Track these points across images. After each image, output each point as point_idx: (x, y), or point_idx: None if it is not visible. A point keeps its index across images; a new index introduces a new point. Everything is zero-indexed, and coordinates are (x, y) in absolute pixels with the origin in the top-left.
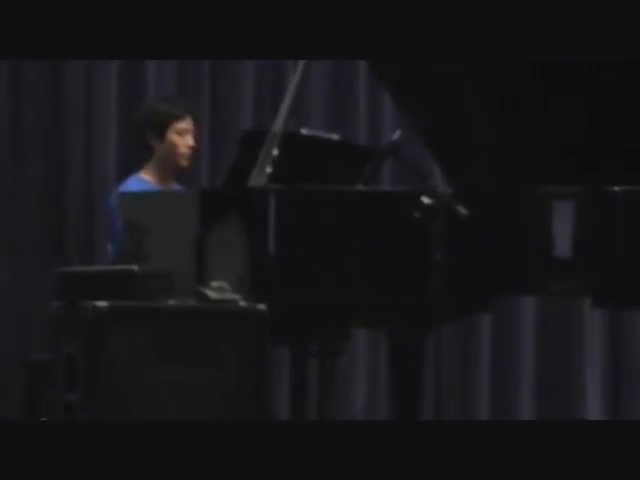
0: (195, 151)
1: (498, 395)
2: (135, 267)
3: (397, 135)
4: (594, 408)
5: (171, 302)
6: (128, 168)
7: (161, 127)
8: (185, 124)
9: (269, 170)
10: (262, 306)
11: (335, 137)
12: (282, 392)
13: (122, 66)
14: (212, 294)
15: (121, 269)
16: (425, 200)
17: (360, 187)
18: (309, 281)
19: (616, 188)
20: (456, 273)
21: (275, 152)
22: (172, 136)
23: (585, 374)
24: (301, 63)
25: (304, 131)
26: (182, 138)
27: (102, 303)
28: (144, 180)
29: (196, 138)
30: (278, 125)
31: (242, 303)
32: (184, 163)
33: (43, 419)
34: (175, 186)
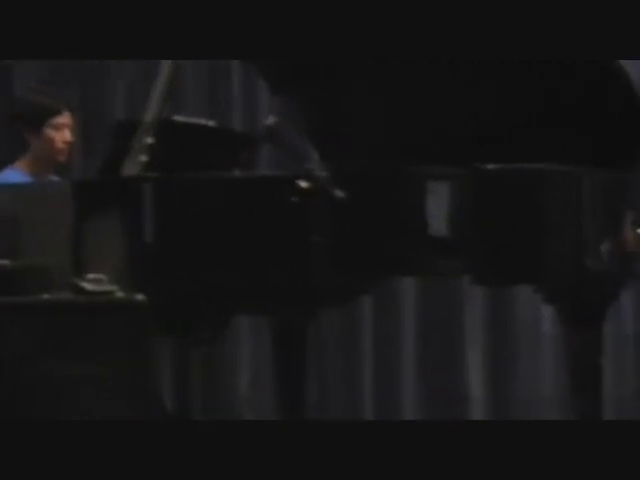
0: (71, 145)
1: (380, 377)
2: (7, 262)
3: (272, 120)
4: (476, 387)
5: (46, 296)
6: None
7: (37, 122)
8: (62, 118)
9: (143, 158)
10: (141, 296)
11: (211, 123)
12: (164, 382)
13: None
14: (88, 286)
15: None
16: (302, 184)
17: (237, 173)
18: (188, 269)
19: (490, 166)
20: (336, 256)
21: (149, 140)
22: (48, 131)
23: (467, 352)
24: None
25: (178, 118)
26: (59, 133)
27: None
28: (21, 172)
29: (73, 131)
30: (151, 113)
31: (120, 294)
32: (61, 158)
33: None
34: (53, 178)
